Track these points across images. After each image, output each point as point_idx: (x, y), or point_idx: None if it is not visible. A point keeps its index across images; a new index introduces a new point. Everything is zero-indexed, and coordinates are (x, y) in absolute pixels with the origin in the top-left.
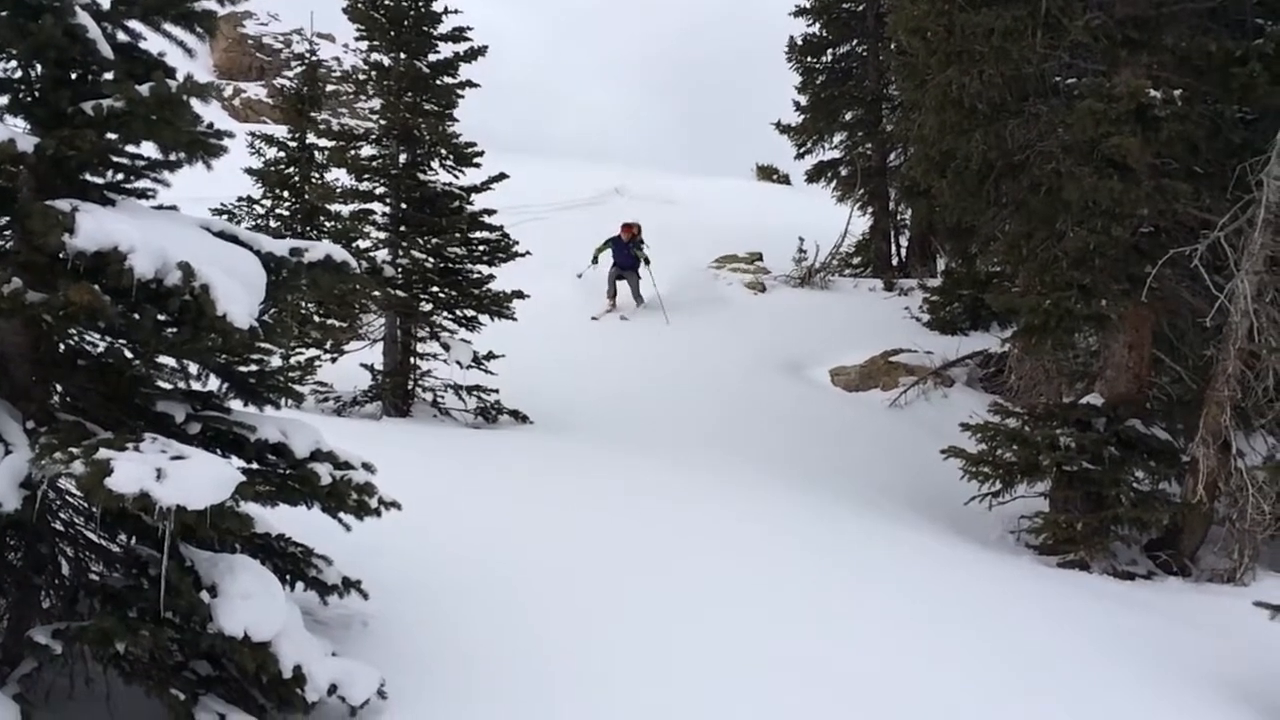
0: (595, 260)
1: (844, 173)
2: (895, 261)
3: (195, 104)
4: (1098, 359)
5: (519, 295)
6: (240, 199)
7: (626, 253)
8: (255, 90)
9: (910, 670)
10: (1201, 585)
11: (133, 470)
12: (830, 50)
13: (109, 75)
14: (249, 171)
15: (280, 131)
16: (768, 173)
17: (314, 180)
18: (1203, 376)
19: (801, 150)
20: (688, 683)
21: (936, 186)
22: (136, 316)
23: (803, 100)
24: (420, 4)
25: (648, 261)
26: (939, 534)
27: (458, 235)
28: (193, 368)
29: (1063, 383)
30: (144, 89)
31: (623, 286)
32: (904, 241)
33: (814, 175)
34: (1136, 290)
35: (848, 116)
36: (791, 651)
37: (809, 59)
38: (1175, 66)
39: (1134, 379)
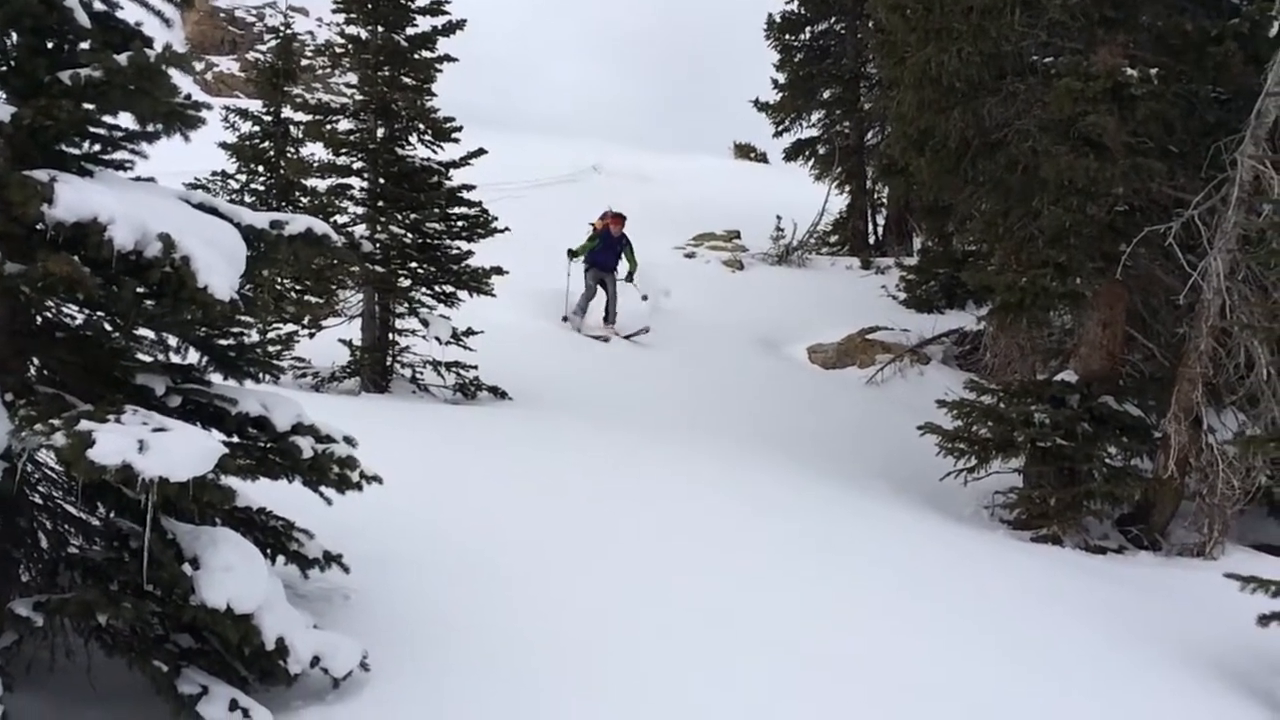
0: (574, 255)
1: (822, 151)
2: (872, 240)
3: (173, 74)
4: (1072, 336)
5: (498, 271)
6: (214, 174)
7: (613, 250)
8: (228, 64)
9: (899, 650)
10: (1172, 559)
11: (115, 442)
12: (809, 28)
13: (86, 44)
14: (223, 146)
15: (255, 106)
16: (745, 151)
17: (290, 155)
18: (1175, 354)
19: (779, 128)
20: (671, 661)
21: (914, 165)
22: (116, 288)
23: (781, 78)
24: None
25: (632, 274)
26: (916, 509)
27: (436, 211)
28: (172, 340)
29: (1037, 360)
30: (122, 58)
31: (594, 302)
32: (881, 220)
33: (792, 153)
34: (1111, 268)
35: (826, 95)
36: (776, 630)
37: (787, 36)
38: (1152, 46)
39: (1107, 356)
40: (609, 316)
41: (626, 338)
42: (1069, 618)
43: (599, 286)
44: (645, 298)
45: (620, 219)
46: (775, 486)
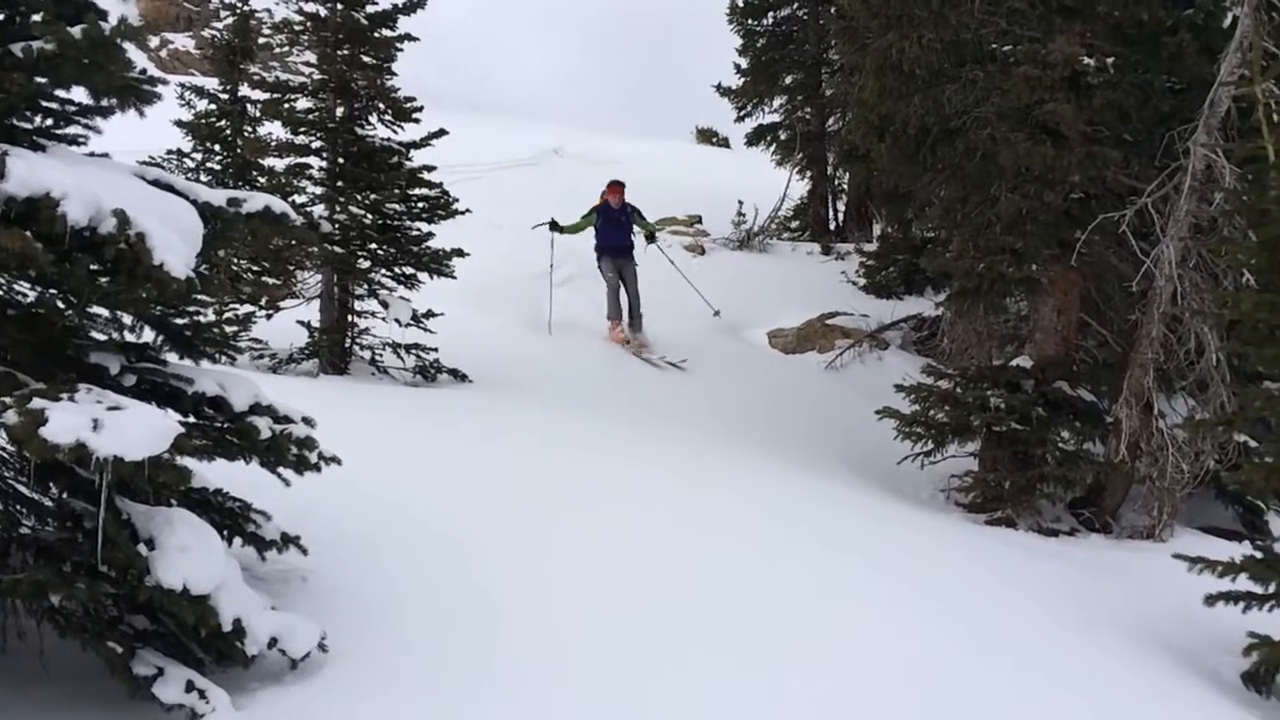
0: (559, 229)
1: (783, 136)
2: (833, 226)
3: (128, 49)
4: (1027, 322)
5: (459, 253)
6: (170, 152)
7: (619, 227)
8: (183, 41)
9: (875, 631)
10: (1122, 541)
11: (68, 420)
12: (771, 13)
13: (39, 16)
14: (178, 124)
15: (211, 83)
16: (707, 135)
17: (247, 133)
18: (1127, 340)
19: (742, 113)
20: (641, 642)
21: (875, 151)
22: (69, 265)
23: (743, 63)
24: None
25: (652, 238)
26: (873, 492)
27: (396, 191)
28: (127, 319)
29: (993, 346)
30: (76, 31)
31: (622, 296)
32: (841, 206)
33: (754, 139)
34: (1066, 255)
35: (788, 80)
36: (756, 611)
37: (750, 21)
38: (1108, 35)
39: (1062, 342)
40: (634, 321)
41: (668, 362)
42: (1023, 598)
43: (619, 279)
44: (718, 313)
45: (619, 186)
46: (733, 465)
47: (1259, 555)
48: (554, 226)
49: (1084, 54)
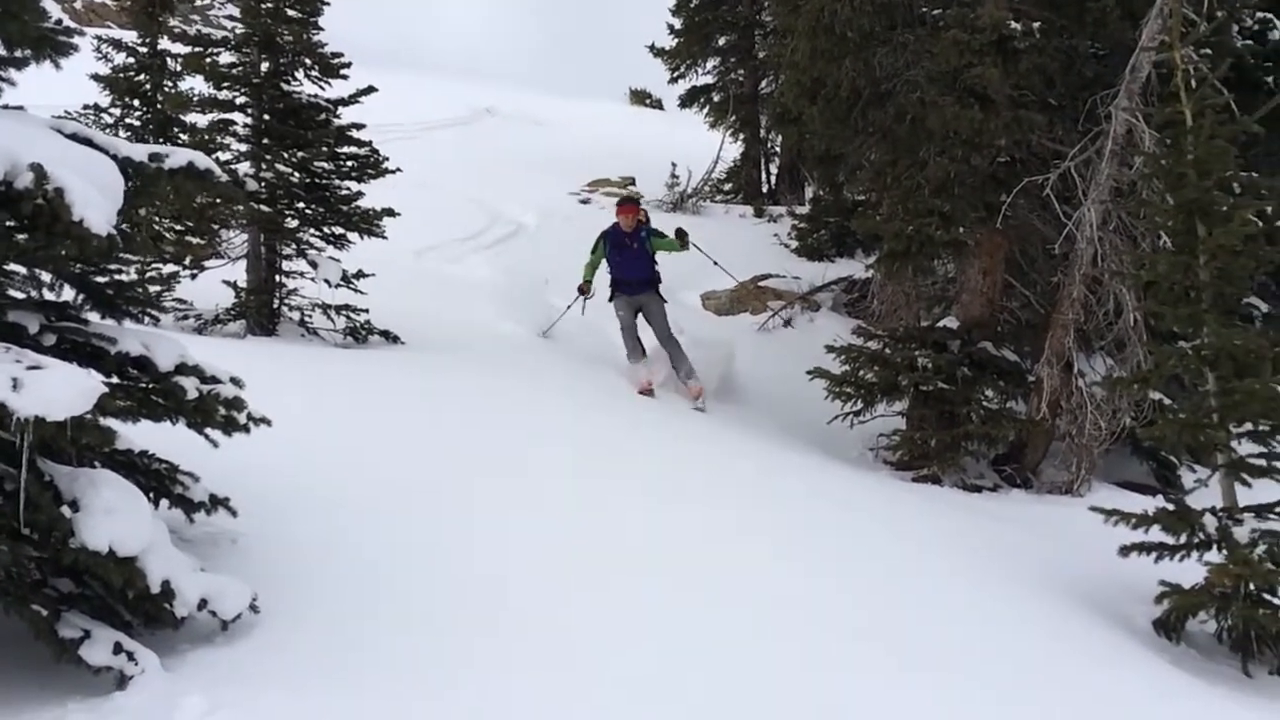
0: (588, 288)
1: (717, 98)
2: (765, 189)
3: None
4: (954, 284)
5: (389, 213)
6: (86, 107)
7: (635, 256)
8: None
9: (805, 587)
10: (1043, 496)
11: None
12: None
13: None
14: (95, 78)
15: (129, 37)
16: (641, 97)
17: (167, 88)
18: (1049, 301)
19: (675, 75)
20: (573, 606)
21: (807, 114)
22: None
23: (677, 23)
24: None
25: (683, 237)
26: (805, 451)
27: (324, 149)
28: (46, 277)
29: (921, 307)
30: None
31: (645, 334)
32: (774, 169)
33: (687, 100)
34: (992, 218)
35: (721, 41)
36: (686, 564)
37: None
38: (1034, 0)
39: (987, 303)
40: (680, 371)
41: (695, 408)
42: (947, 551)
43: (643, 319)
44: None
45: (631, 206)
46: (666, 428)
47: (1171, 508)
48: (584, 291)
49: (1011, 19)
